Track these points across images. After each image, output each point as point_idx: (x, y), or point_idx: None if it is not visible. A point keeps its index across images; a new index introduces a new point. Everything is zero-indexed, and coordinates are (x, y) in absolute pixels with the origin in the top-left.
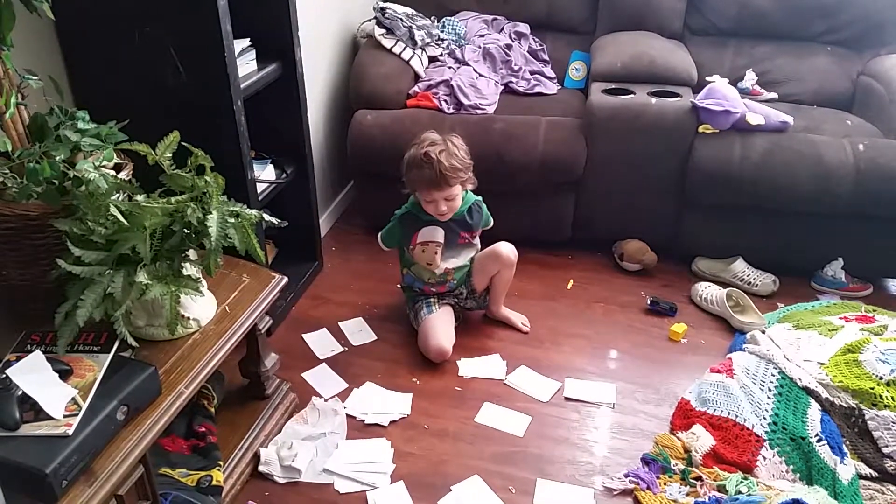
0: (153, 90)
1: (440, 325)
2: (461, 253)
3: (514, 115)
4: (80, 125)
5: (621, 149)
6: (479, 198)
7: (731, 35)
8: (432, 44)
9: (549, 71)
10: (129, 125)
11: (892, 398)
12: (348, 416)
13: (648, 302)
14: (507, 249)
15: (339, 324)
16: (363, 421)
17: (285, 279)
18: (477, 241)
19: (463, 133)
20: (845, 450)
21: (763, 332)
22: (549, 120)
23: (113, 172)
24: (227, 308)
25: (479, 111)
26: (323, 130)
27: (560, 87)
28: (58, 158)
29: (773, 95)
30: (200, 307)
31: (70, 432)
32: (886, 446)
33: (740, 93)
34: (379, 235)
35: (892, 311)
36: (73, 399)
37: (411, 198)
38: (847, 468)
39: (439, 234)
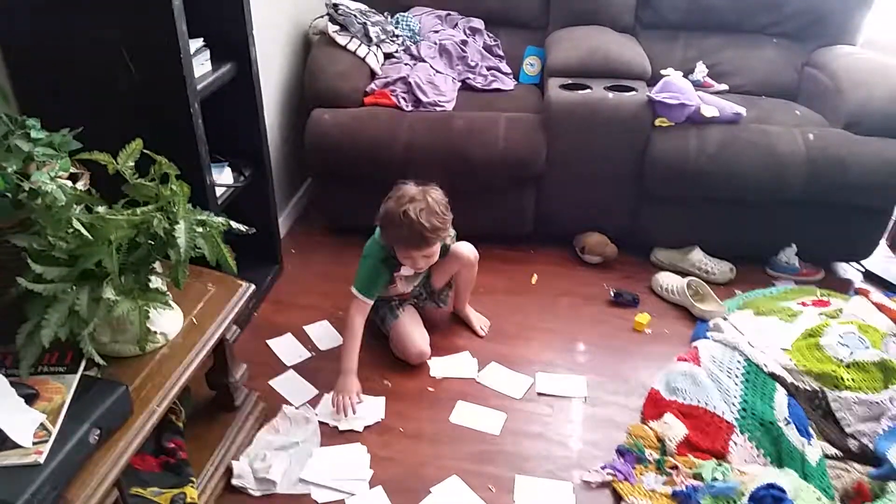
0: (105, 94)
1: (413, 328)
2: (422, 274)
3: (474, 112)
4: (33, 134)
5: (580, 143)
6: None
7: (680, 28)
8: (387, 40)
9: (504, 67)
10: (81, 132)
11: (853, 380)
12: (320, 422)
13: (612, 294)
14: (466, 250)
15: (305, 328)
16: (336, 427)
17: (252, 287)
18: None
19: (423, 129)
20: (812, 432)
21: (725, 320)
22: (508, 116)
23: (70, 183)
24: (194, 320)
25: (437, 108)
26: (277, 130)
27: (516, 82)
28: (10, 170)
29: (724, 87)
30: (167, 320)
31: (41, 460)
32: (849, 426)
33: (693, 85)
34: (356, 289)
35: (842, 293)
36: (41, 425)
37: (376, 237)
38: (814, 449)
39: (409, 273)
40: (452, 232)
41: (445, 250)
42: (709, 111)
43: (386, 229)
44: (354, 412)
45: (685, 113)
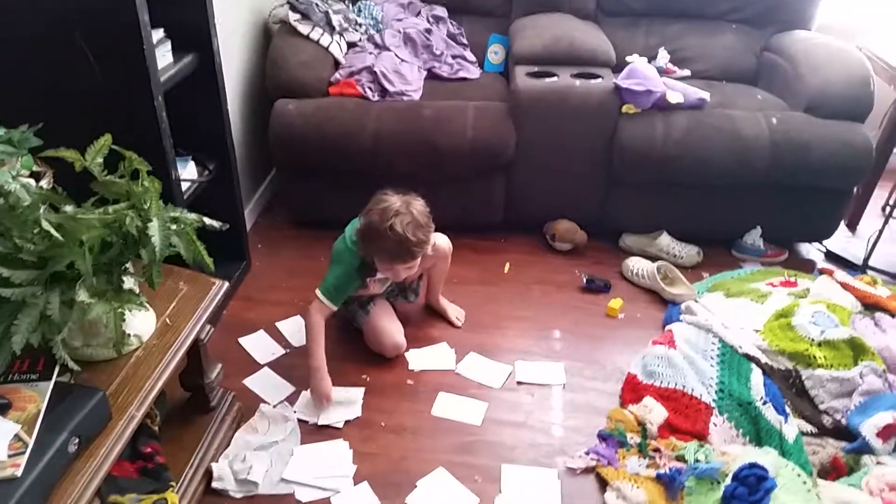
0: (62, 89)
1: (386, 321)
2: None
3: (441, 101)
4: None
5: (548, 131)
6: None
7: (642, 15)
8: (350, 29)
9: (470, 55)
10: (39, 129)
11: (825, 357)
12: (299, 420)
13: (584, 280)
14: (441, 242)
15: (277, 325)
16: (315, 424)
17: (226, 284)
18: None
19: (391, 119)
20: (788, 410)
21: (696, 302)
22: (476, 105)
23: (33, 182)
24: (167, 320)
25: (404, 98)
26: (239, 122)
27: (481, 71)
28: None
29: (687, 72)
30: (140, 322)
31: (18, 473)
32: (823, 402)
33: (656, 71)
34: (323, 293)
35: (807, 273)
36: (16, 436)
37: (351, 237)
38: (791, 427)
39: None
40: (433, 242)
41: None
42: (674, 97)
43: (369, 242)
44: (327, 403)
45: (651, 99)
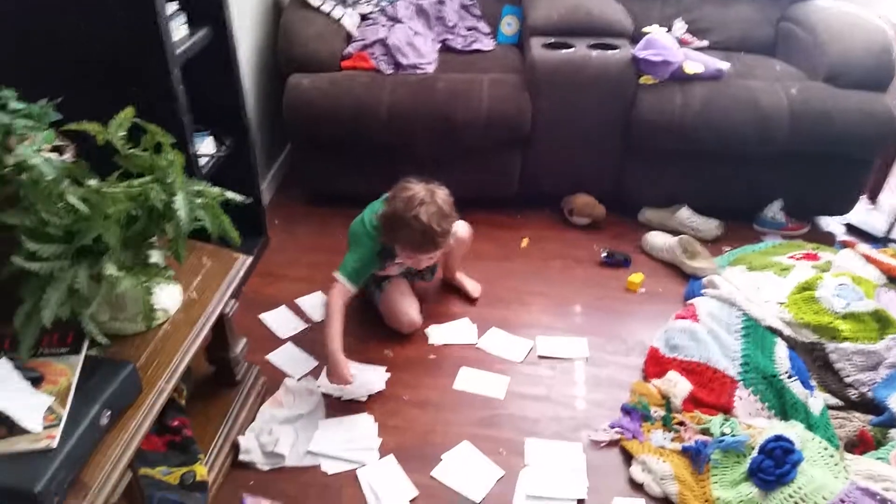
0: (79, 64)
1: (402, 298)
2: None
3: (456, 74)
4: (11, 105)
5: (565, 103)
6: None
7: None
8: (362, 1)
9: (483, 26)
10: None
11: (850, 330)
12: (323, 394)
13: (603, 255)
14: (462, 229)
15: (297, 300)
16: (340, 398)
17: (249, 259)
18: None
19: (406, 93)
20: (813, 383)
21: (719, 276)
22: (491, 77)
23: (55, 156)
24: (193, 294)
25: (418, 71)
26: (253, 97)
27: (495, 42)
28: None
29: (705, 43)
30: (167, 296)
31: (54, 445)
32: (848, 376)
33: None
34: (343, 274)
35: (827, 246)
36: (50, 408)
37: (371, 221)
38: (817, 401)
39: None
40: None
41: None
42: (693, 67)
43: (392, 230)
44: (345, 386)
45: (669, 70)
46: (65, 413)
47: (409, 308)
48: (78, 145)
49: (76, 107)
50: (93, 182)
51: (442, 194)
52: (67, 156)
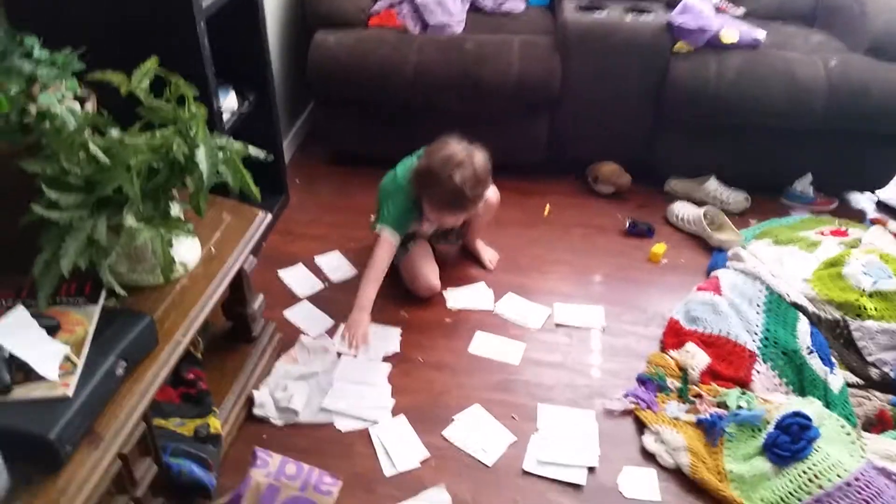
0: (104, 13)
1: (423, 262)
2: None
3: (485, 35)
4: (35, 53)
5: (596, 68)
6: None
7: None
8: None
9: None
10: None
11: (875, 309)
12: (338, 353)
13: (627, 224)
14: (490, 194)
15: (316, 259)
16: (355, 357)
17: (269, 216)
18: None
19: (433, 52)
20: (834, 361)
21: (744, 249)
22: (521, 39)
23: (78, 105)
24: (212, 249)
25: (447, 30)
26: (277, 54)
27: (526, 4)
28: (13, 91)
29: (741, 11)
30: (186, 250)
31: (69, 393)
32: (871, 355)
33: None
34: (385, 224)
35: (856, 222)
36: (65, 357)
37: (405, 176)
38: (836, 378)
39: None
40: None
41: None
42: (729, 36)
43: (424, 186)
44: (358, 346)
45: (705, 38)
46: (80, 362)
47: (429, 273)
48: (101, 96)
49: (100, 57)
50: (115, 132)
51: (480, 158)
52: (89, 105)
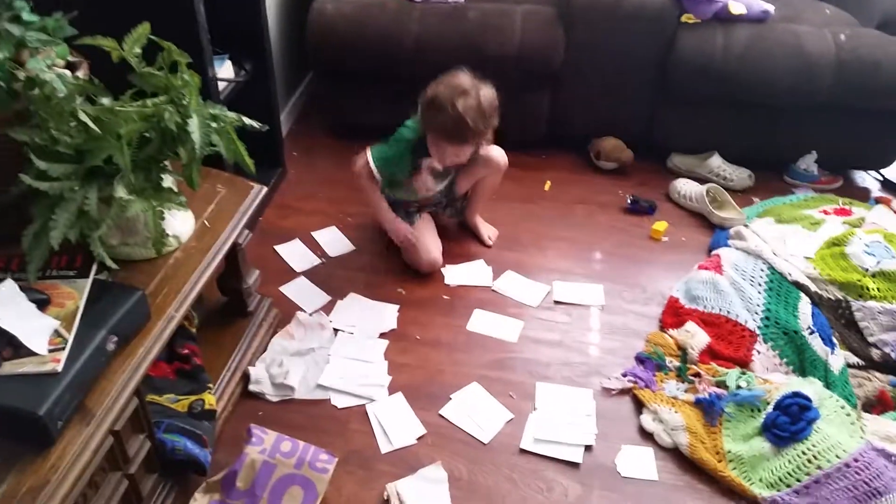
0: None
1: (427, 236)
2: (451, 174)
3: (487, 3)
4: (24, 17)
5: (601, 39)
6: None
7: None
8: None
9: None
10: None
11: (878, 289)
12: (335, 329)
13: (628, 201)
14: (497, 154)
15: (313, 234)
16: (351, 334)
17: (264, 189)
18: None
19: (434, 22)
20: (835, 341)
21: (746, 227)
22: (525, 8)
23: (69, 72)
24: (206, 222)
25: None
26: (275, 22)
27: None
28: (1, 56)
29: None
30: (179, 223)
31: (59, 368)
32: (872, 335)
33: None
34: (371, 156)
35: (861, 202)
36: (55, 331)
37: (413, 120)
38: (837, 358)
39: (438, 171)
40: (491, 139)
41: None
42: (737, 8)
43: (427, 113)
44: (413, 239)
45: (713, 9)
46: (70, 337)
47: (432, 248)
48: (91, 63)
49: (91, 22)
50: (106, 100)
51: (488, 92)
52: (81, 72)
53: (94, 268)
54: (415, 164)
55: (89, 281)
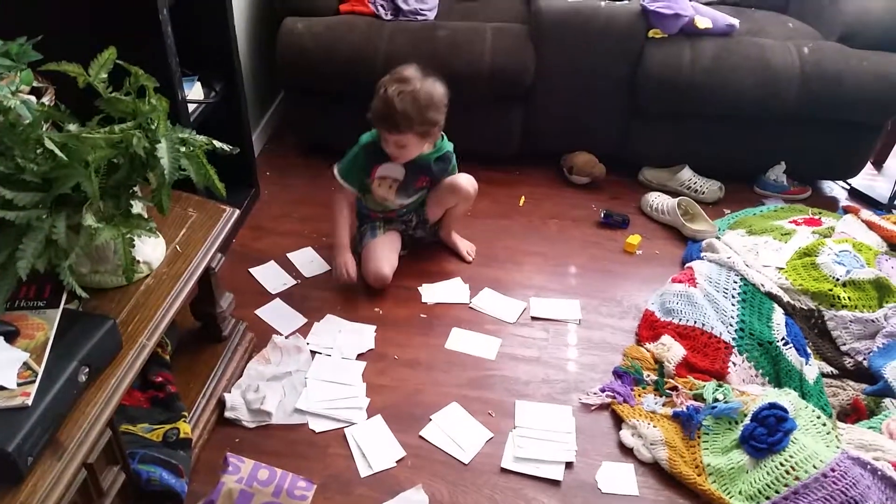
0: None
1: (381, 250)
2: (417, 195)
3: (458, 22)
4: None
5: (571, 56)
6: (451, 146)
7: None
8: None
9: None
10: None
11: (849, 298)
12: (312, 352)
13: (601, 215)
14: (466, 182)
15: (288, 255)
16: (329, 356)
17: (237, 211)
18: None
19: (404, 41)
20: (809, 351)
21: (718, 239)
22: (494, 27)
23: (34, 98)
24: (178, 248)
25: (419, 17)
26: (246, 42)
27: None
28: None
29: None
30: (150, 249)
31: (29, 402)
32: (845, 344)
33: None
34: (336, 169)
35: (830, 211)
36: (25, 364)
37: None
38: (812, 368)
39: (399, 172)
40: (438, 135)
41: (442, 173)
42: (703, 22)
43: (373, 100)
44: (350, 276)
45: (679, 24)
46: (41, 369)
47: (382, 261)
48: (58, 88)
49: (57, 47)
50: (72, 127)
51: (431, 85)
52: (46, 98)
53: (64, 297)
54: (368, 165)
55: (59, 311)
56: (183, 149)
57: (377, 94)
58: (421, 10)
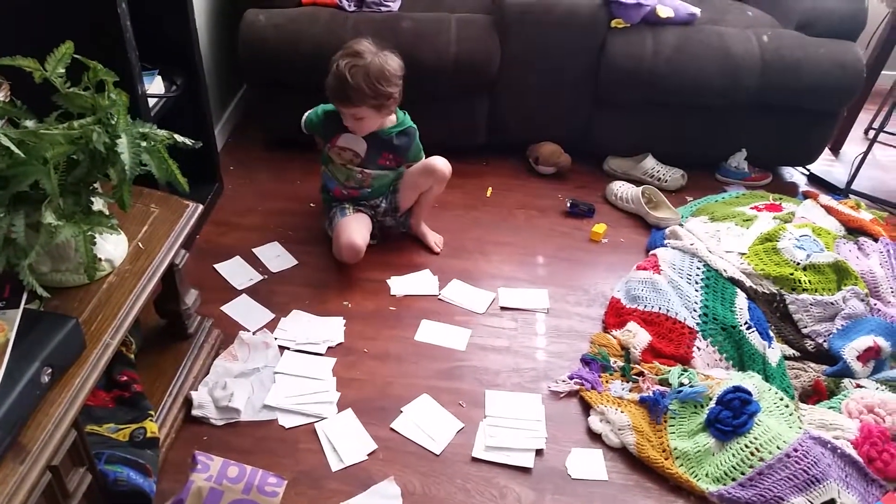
0: None
1: (353, 224)
2: (380, 172)
3: (422, 13)
4: None
5: (535, 46)
6: (413, 125)
7: None
8: None
9: None
10: None
11: (810, 282)
12: (280, 347)
13: (568, 205)
14: (441, 163)
15: (254, 250)
16: (298, 351)
17: (200, 207)
18: (402, 168)
19: (368, 32)
20: (771, 334)
21: (681, 226)
22: (459, 17)
23: None
24: (140, 245)
25: (382, 8)
26: (206, 33)
27: None
28: None
29: None
30: (112, 246)
31: None
32: (806, 327)
33: None
34: (305, 115)
35: (790, 197)
36: None
37: None
38: (774, 351)
39: (360, 147)
40: (391, 109)
41: (405, 150)
42: (665, 11)
43: (329, 74)
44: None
45: (641, 13)
46: (1, 371)
47: (354, 233)
48: (13, 84)
49: (11, 42)
50: (30, 123)
51: (384, 59)
52: (1, 94)
53: (24, 297)
54: (328, 132)
55: (19, 311)
56: (144, 144)
57: (330, 69)
58: (384, 1)
